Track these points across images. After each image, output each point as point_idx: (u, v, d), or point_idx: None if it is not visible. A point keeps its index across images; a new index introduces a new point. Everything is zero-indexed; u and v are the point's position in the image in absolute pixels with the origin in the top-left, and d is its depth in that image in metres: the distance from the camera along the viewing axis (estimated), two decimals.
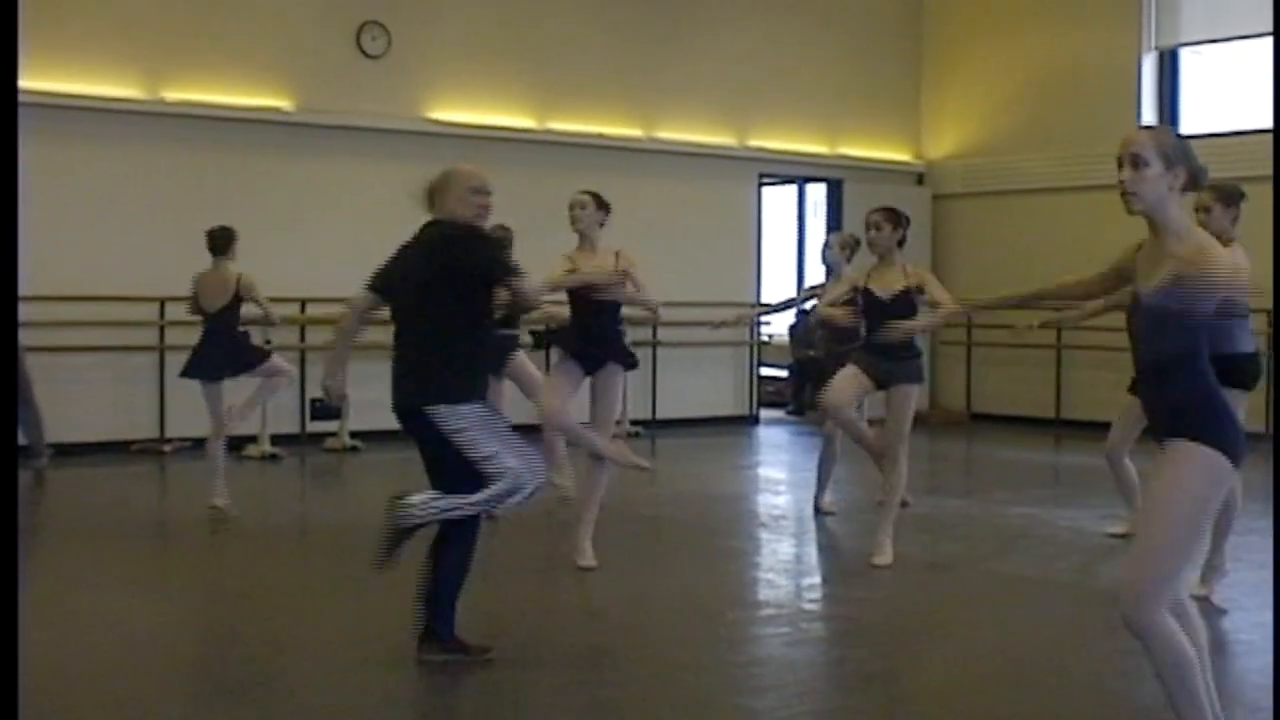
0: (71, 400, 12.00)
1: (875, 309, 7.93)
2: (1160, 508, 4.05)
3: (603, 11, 15.24)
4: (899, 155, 17.46)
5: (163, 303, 12.57)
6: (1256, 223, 7.46)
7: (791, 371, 17.07)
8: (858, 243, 9.57)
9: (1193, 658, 4.02)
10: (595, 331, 7.63)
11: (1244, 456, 4.07)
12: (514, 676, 5.61)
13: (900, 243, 8.01)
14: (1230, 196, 7.05)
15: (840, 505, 9.71)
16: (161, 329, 12.73)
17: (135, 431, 12.67)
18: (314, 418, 13.32)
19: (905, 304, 7.84)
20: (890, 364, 7.89)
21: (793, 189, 17.85)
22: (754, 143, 16.25)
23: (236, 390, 9.52)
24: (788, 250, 17.97)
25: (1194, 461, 4.02)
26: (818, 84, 16.66)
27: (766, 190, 17.15)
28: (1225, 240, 7.51)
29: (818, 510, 9.62)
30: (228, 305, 9.26)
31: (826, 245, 9.95)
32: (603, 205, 7.68)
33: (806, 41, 16.48)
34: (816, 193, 17.56)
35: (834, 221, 17.02)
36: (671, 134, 15.63)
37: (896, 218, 8.01)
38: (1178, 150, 4.05)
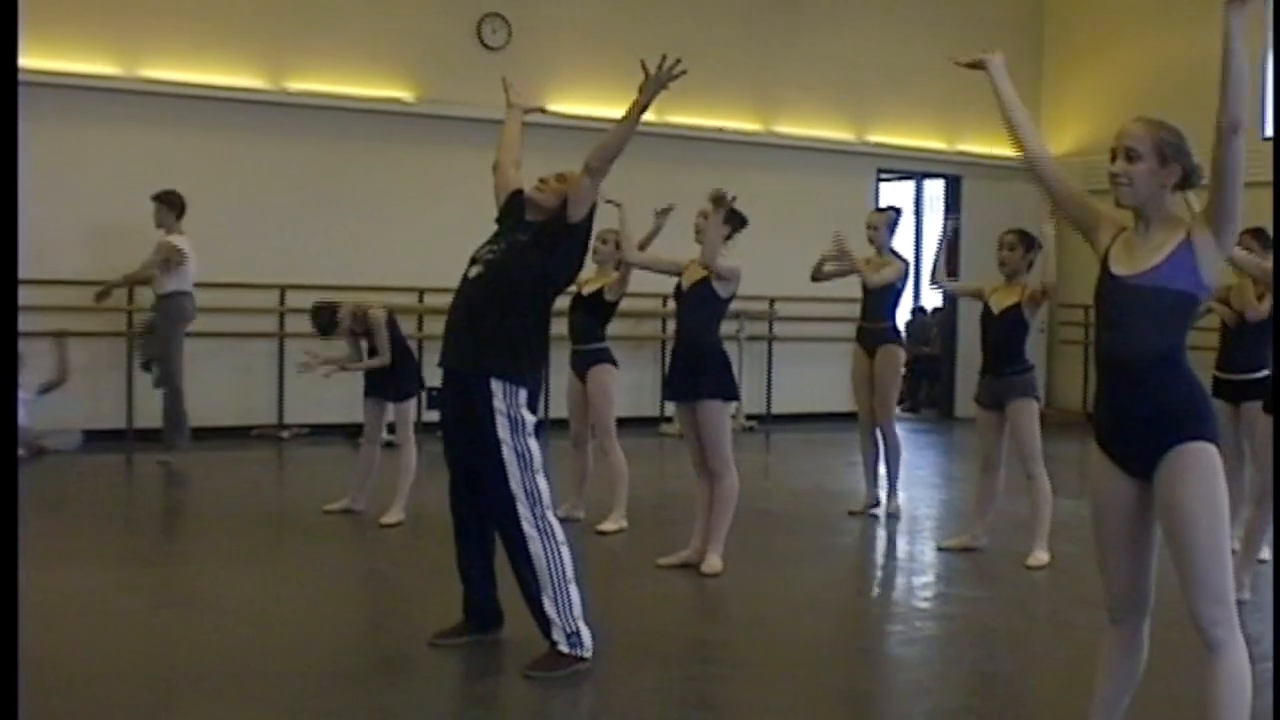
0: (191, 386, 12.15)
1: (986, 322, 8.08)
2: (1210, 520, 3.92)
3: (722, 5, 15.20)
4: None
5: (283, 290, 12.75)
6: None
7: (908, 368, 16.92)
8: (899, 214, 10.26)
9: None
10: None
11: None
12: (624, 670, 5.60)
13: (1029, 265, 7.94)
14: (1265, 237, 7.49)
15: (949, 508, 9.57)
16: (281, 315, 12.92)
17: (254, 417, 12.86)
18: (429, 407, 13.42)
19: (1013, 319, 7.91)
20: (1000, 382, 8.00)
21: (910, 184, 17.71)
22: (872, 138, 16.12)
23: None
24: (905, 245, 17.76)
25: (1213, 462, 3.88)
26: (937, 80, 16.37)
27: (884, 185, 17.02)
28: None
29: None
30: None
31: (873, 226, 10.19)
32: (729, 219, 7.54)
33: (926, 37, 16.28)
34: (934, 188, 17.39)
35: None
36: (790, 128, 15.56)
37: (1030, 241, 7.95)
38: (1173, 147, 3.92)
